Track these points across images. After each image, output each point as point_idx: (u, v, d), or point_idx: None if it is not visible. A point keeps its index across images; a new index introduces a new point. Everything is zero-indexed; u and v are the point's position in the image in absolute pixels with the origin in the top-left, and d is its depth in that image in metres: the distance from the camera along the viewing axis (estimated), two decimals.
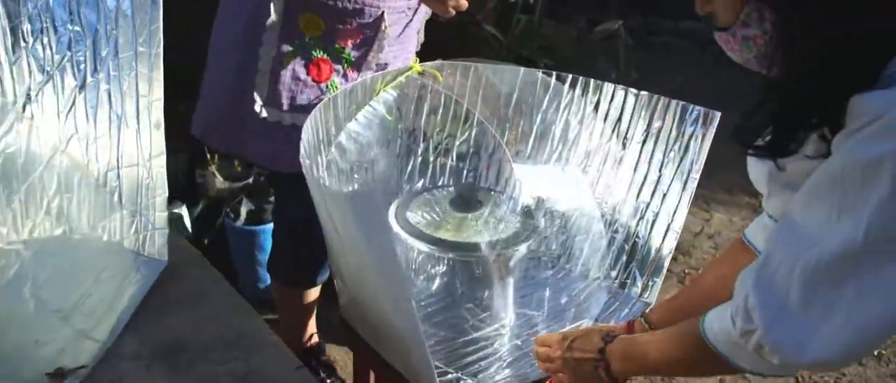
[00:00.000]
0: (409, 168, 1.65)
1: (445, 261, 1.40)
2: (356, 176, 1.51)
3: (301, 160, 1.14)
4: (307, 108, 1.46)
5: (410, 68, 1.51)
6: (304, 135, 1.23)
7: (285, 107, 1.56)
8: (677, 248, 2.71)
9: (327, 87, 1.58)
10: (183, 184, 2.77)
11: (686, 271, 2.59)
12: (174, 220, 2.50)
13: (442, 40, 1.92)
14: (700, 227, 2.93)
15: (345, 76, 1.60)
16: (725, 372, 0.90)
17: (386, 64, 1.62)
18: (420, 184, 1.68)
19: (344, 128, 1.40)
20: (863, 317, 0.74)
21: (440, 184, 1.68)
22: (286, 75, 1.54)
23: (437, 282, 1.44)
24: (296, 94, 1.56)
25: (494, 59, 3.34)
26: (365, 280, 1.20)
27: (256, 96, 1.55)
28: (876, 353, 2.23)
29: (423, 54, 1.73)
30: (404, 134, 1.62)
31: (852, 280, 0.74)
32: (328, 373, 1.95)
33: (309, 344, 1.93)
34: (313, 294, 1.85)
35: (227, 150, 1.73)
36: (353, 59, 1.59)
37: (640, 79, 3.67)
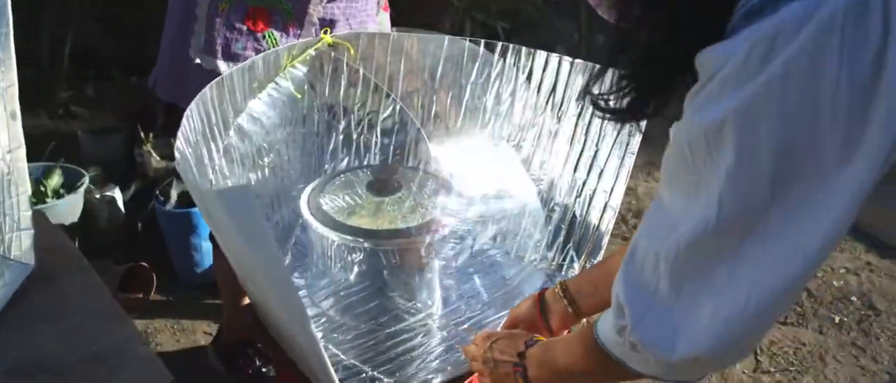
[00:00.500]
0: (332, 146, 1.53)
1: (362, 250, 1.29)
2: (265, 160, 1.39)
3: (176, 149, 1.02)
4: (242, 58, 1.48)
5: (320, 40, 1.38)
6: (185, 121, 1.10)
7: (219, 54, 1.54)
8: (638, 217, 2.64)
9: (264, 37, 1.55)
10: (120, 165, 2.65)
11: None
12: (108, 203, 2.38)
13: (400, 4, 1.85)
14: (653, 190, 2.84)
15: (285, 30, 1.56)
16: (628, 379, 0.80)
17: (332, 21, 1.57)
18: (345, 162, 1.56)
19: (244, 108, 1.28)
20: (731, 305, 0.64)
21: (366, 161, 1.56)
22: (220, 22, 1.52)
23: (356, 270, 1.33)
24: (230, 42, 1.54)
25: (448, 25, 3.21)
26: (256, 284, 1.09)
27: (192, 42, 1.55)
28: (837, 320, 2.17)
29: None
30: (323, 110, 1.49)
31: (718, 264, 0.64)
32: (264, 362, 1.85)
33: (240, 338, 1.83)
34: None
35: (168, 99, 1.69)
36: (291, 11, 1.54)
37: (604, 44, 3.56)
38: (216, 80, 1.20)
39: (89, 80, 3.20)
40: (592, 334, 0.80)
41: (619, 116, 0.75)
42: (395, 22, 1.80)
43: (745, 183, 0.61)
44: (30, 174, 2.24)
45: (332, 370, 1.02)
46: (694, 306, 0.66)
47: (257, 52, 1.51)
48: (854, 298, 2.27)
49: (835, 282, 2.33)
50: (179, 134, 1.05)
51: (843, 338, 2.11)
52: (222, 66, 1.53)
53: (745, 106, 0.59)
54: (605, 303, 0.90)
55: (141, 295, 2.10)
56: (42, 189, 2.24)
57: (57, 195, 2.26)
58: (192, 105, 1.12)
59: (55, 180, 2.30)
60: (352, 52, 1.40)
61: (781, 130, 0.58)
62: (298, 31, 1.55)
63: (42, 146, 2.38)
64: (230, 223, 0.89)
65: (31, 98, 2.52)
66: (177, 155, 1.00)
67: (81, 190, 2.28)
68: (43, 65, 3.02)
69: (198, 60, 1.56)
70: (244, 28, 1.53)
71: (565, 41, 3.38)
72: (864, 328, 2.15)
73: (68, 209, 2.22)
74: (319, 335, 1.30)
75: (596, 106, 0.75)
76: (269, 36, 1.55)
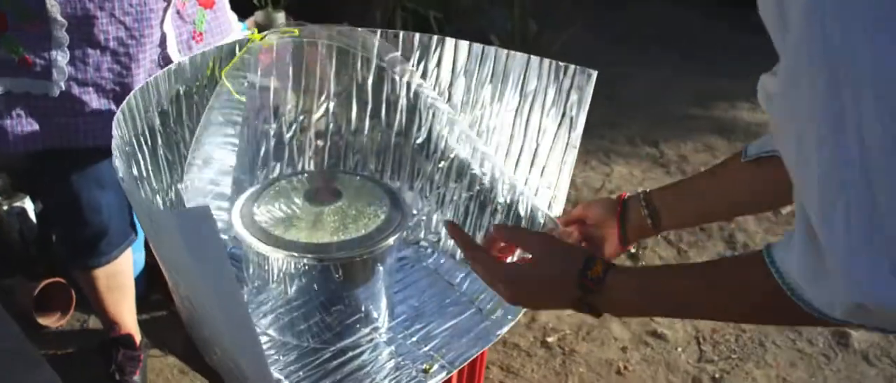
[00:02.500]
0: (263, 152, 1.44)
1: (302, 265, 1.21)
2: (193, 168, 1.29)
3: (115, 162, 0.92)
4: None
5: (249, 40, 1.28)
6: (115, 131, 1.00)
7: None
8: (567, 201, 2.62)
9: (1, 44, 1.28)
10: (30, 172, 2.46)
11: None
12: (18, 215, 2.21)
13: None
14: (600, 182, 2.84)
15: (27, 29, 1.27)
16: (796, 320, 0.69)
17: (87, 15, 1.28)
18: (277, 169, 1.46)
19: (170, 114, 1.17)
20: None
21: (300, 167, 1.47)
22: None
23: (296, 284, 1.25)
24: None
25: (379, 16, 3.12)
26: (201, 306, 1.00)
27: None
28: None
29: (300, 9, 1.54)
30: (252, 113, 1.39)
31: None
32: (121, 375, 1.72)
33: (112, 335, 1.73)
34: (103, 277, 1.63)
35: None
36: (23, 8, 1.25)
37: (539, 33, 3.53)
38: (139, 87, 1.10)
39: None
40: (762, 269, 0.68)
41: None
42: (328, 12, 1.70)
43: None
44: None
45: None
46: None
47: None
48: None
49: None
50: (114, 148, 0.95)
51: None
52: None
53: None
54: (687, 219, 0.91)
55: (58, 315, 1.95)
56: None
57: None
58: (119, 114, 1.02)
59: None
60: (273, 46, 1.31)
61: None
62: (46, 30, 1.28)
63: None
64: (183, 245, 0.80)
65: None
66: (116, 165, 0.91)
67: None
68: None
69: None
70: None
71: (498, 30, 3.33)
72: None
73: None
74: None
75: None
76: (8, 42, 1.28)
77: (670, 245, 2.44)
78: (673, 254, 2.40)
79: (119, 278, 1.66)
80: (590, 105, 1.29)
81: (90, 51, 1.30)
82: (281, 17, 3.16)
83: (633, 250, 2.40)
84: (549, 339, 1.99)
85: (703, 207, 1.02)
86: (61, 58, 1.28)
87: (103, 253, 1.57)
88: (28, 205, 2.23)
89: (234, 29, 1.57)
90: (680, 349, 2.01)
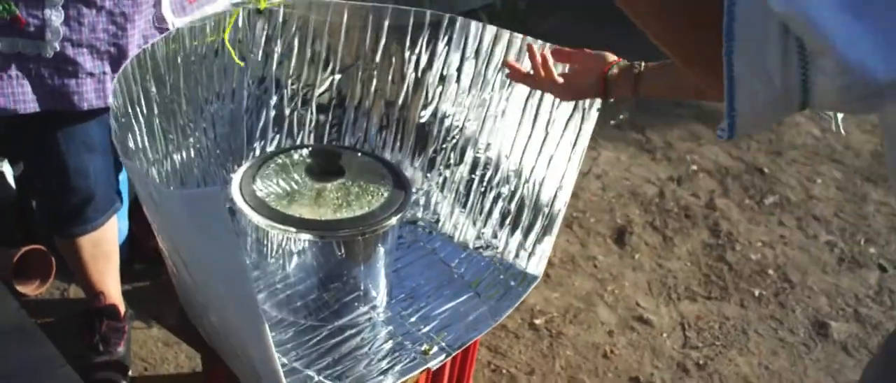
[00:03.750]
0: (261, 124, 1.40)
1: (304, 241, 1.18)
2: (190, 140, 1.25)
3: (114, 139, 0.88)
4: None
5: (255, 7, 1.24)
6: (113, 101, 0.96)
7: None
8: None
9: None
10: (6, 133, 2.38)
11: (574, 214, 2.49)
12: None
13: None
14: (588, 167, 2.83)
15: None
16: None
17: None
18: (275, 141, 1.43)
19: (166, 80, 1.13)
20: None
21: (299, 141, 1.44)
22: None
23: (295, 260, 1.22)
24: None
25: None
26: (205, 286, 0.97)
27: None
28: (756, 294, 2.23)
29: None
30: (253, 83, 1.36)
31: None
32: (105, 346, 1.66)
33: (96, 305, 1.67)
34: (89, 245, 1.58)
35: None
36: None
37: (526, 13, 3.49)
38: (136, 55, 1.05)
39: None
40: None
41: None
42: None
43: None
44: None
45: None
46: None
47: None
48: (771, 271, 2.34)
49: (752, 256, 2.40)
50: (111, 121, 0.91)
51: (762, 311, 2.17)
52: None
53: None
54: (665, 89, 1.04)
55: (38, 283, 1.90)
56: None
57: None
58: (116, 83, 0.97)
59: None
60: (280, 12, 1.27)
61: None
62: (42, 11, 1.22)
63: None
64: (190, 224, 0.77)
65: None
66: (115, 136, 0.87)
67: None
68: None
69: None
70: None
71: (485, 6, 3.30)
72: (781, 301, 2.22)
73: None
74: None
75: None
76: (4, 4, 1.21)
77: (656, 231, 2.45)
78: (659, 239, 2.41)
79: (104, 246, 1.61)
80: None
81: (85, 10, 1.25)
82: None
83: (622, 234, 2.41)
84: (537, 321, 1.99)
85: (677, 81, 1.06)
86: (55, 17, 1.23)
87: (90, 219, 1.52)
88: (6, 168, 2.16)
89: None
90: (665, 335, 2.02)
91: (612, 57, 1.13)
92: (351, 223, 1.14)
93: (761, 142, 3.11)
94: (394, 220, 1.18)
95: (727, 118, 0.58)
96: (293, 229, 1.11)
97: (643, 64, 1.10)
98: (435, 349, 1.20)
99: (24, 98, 1.27)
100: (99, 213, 1.53)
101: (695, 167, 2.91)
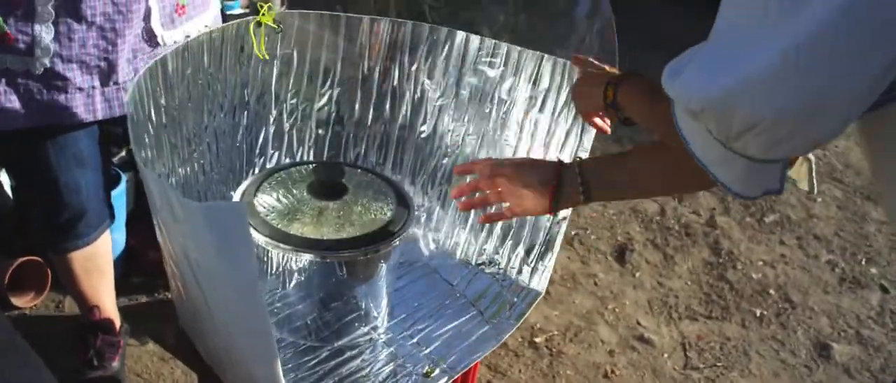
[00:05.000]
0: (261, 139, 1.38)
1: (305, 260, 1.16)
2: (194, 154, 1.24)
3: (133, 147, 0.87)
4: None
5: (253, 19, 1.22)
6: (130, 109, 0.95)
7: None
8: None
9: None
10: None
11: (574, 231, 2.47)
12: None
13: None
14: None
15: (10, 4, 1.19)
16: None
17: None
18: (275, 157, 1.42)
19: (176, 93, 1.11)
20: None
21: (299, 157, 1.42)
22: None
23: (295, 279, 1.21)
24: None
25: (372, 3, 3.05)
26: (215, 299, 0.95)
27: None
28: (758, 314, 2.21)
29: None
30: (251, 99, 1.34)
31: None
32: (100, 361, 1.64)
33: (90, 319, 1.65)
34: (81, 260, 1.56)
35: None
36: None
37: (528, 25, 3.49)
38: (148, 67, 1.04)
39: None
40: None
41: None
42: None
43: None
44: None
45: None
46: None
47: None
48: (772, 291, 2.33)
49: (754, 275, 2.38)
50: (130, 133, 0.89)
51: (764, 332, 2.15)
52: None
53: None
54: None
55: (32, 295, 1.87)
56: None
57: None
58: (132, 95, 0.96)
59: None
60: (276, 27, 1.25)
61: None
62: (30, 4, 1.20)
63: None
64: (210, 236, 0.75)
65: None
66: (135, 150, 0.85)
67: None
68: None
69: None
70: None
71: (490, 21, 3.28)
72: (783, 321, 2.20)
73: None
74: None
75: None
76: None
77: (657, 248, 2.43)
78: (660, 257, 2.40)
79: (97, 261, 1.59)
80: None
81: (76, 26, 1.23)
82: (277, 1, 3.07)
83: (623, 251, 2.40)
84: (537, 340, 1.97)
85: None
86: (46, 34, 1.21)
87: (82, 235, 1.50)
88: (3, 178, 2.14)
89: (215, 3, 1.50)
90: (666, 355, 2.00)
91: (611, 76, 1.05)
92: (353, 243, 1.12)
93: None
94: (396, 241, 1.17)
95: (726, 189, 0.72)
96: (294, 248, 1.10)
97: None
98: (437, 371, 1.18)
99: (12, 114, 1.25)
100: (91, 228, 1.51)
101: None
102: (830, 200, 2.88)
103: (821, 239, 2.63)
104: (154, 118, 1.06)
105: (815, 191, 0.96)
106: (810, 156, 0.93)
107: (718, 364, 2.01)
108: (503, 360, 1.91)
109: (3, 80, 1.24)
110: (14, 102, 1.26)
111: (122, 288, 1.79)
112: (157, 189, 0.82)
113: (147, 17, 1.31)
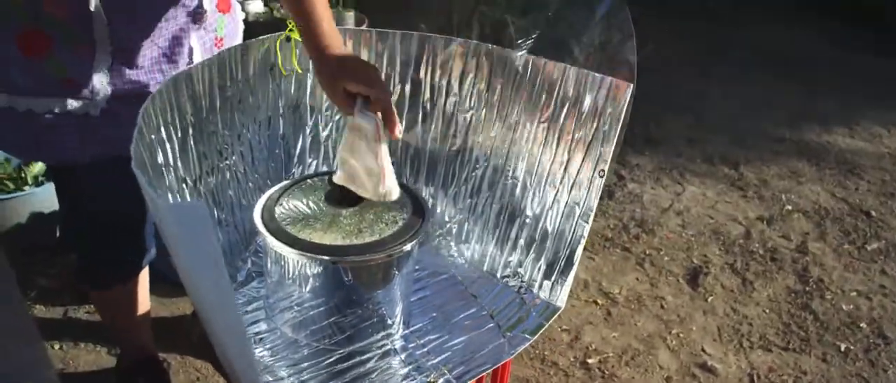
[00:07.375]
0: (298, 149, 1.45)
1: (317, 264, 1.21)
2: (226, 162, 1.31)
3: (133, 146, 0.94)
4: (26, 90, 1.23)
5: (281, 35, 1.29)
6: (143, 111, 1.02)
7: None
8: (640, 226, 2.53)
9: (47, 65, 1.24)
10: None
11: (647, 252, 2.39)
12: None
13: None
14: (669, 202, 2.72)
15: (74, 52, 1.24)
16: None
17: (126, 48, 1.27)
18: (313, 165, 1.48)
19: (203, 105, 1.19)
20: None
21: (335, 167, 1.47)
22: None
23: (310, 284, 1.25)
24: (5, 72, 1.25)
25: (456, 19, 3.09)
26: (196, 299, 1.01)
27: None
28: (842, 348, 2.04)
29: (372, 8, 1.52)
30: (287, 110, 1.41)
31: None
32: None
33: (136, 359, 1.67)
34: (126, 295, 1.58)
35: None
36: (72, 33, 1.22)
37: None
38: (172, 78, 1.12)
39: None
40: None
41: None
42: (401, 11, 1.64)
43: None
44: (8, 160, 2.20)
45: None
46: None
47: (44, 82, 1.25)
48: (863, 325, 2.14)
49: (844, 306, 2.21)
50: (135, 135, 0.97)
51: (847, 368, 1.98)
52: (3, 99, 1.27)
53: None
54: None
55: None
56: (22, 176, 2.18)
57: (37, 182, 2.20)
58: (148, 104, 1.03)
59: (38, 167, 2.24)
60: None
61: None
62: (91, 54, 1.25)
63: None
64: (179, 236, 0.81)
65: None
66: (133, 153, 0.93)
67: None
68: None
69: None
70: (18, 54, 1.23)
71: (578, 36, 3.24)
72: (872, 358, 2.02)
73: (48, 197, 2.16)
74: (269, 354, 1.22)
75: None
76: (53, 63, 1.24)
77: (736, 273, 2.30)
78: (737, 282, 2.27)
79: (141, 294, 1.62)
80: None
81: (128, 71, 1.30)
82: (350, 16, 3.17)
83: (695, 276, 2.29)
84: (590, 361, 1.92)
85: None
86: (104, 79, 1.27)
87: (136, 265, 1.53)
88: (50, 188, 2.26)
89: (241, 27, 1.54)
90: None
91: None
92: (358, 250, 1.15)
93: (873, 183, 2.87)
94: (407, 248, 1.18)
95: None
96: (301, 252, 1.14)
97: None
98: (440, 381, 1.19)
99: (79, 149, 1.31)
100: (139, 259, 1.54)
101: (790, 207, 2.73)
102: None
103: None
104: (178, 124, 1.14)
105: None
106: None
107: None
108: (552, 379, 1.87)
109: (66, 120, 1.29)
110: (74, 140, 1.31)
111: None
112: (145, 186, 0.88)
113: (190, 55, 1.37)
